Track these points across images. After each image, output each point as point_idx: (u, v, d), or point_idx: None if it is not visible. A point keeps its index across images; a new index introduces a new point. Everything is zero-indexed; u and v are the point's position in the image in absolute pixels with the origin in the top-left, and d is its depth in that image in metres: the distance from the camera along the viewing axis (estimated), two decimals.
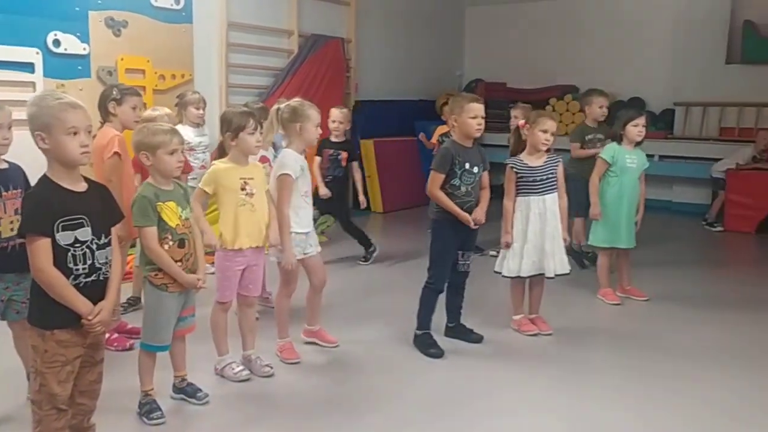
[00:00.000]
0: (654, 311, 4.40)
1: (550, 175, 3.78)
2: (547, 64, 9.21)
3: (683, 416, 2.94)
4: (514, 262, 3.78)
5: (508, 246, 3.79)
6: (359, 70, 8.03)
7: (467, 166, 3.49)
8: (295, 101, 3.44)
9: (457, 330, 3.78)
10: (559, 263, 3.78)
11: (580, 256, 5.29)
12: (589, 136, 5.26)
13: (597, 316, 4.35)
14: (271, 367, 3.28)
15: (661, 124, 8.39)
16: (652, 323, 4.18)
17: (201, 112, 4.96)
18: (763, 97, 7.72)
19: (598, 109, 5.23)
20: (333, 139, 5.37)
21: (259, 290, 3.38)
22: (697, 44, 8.10)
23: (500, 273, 3.86)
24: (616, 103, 8.43)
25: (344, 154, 5.35)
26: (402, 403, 3.04)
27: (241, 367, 3.22)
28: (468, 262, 3.68)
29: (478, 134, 3.50)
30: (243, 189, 3.09)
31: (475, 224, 3.53)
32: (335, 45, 7.50)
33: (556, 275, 3.79)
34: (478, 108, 3.48)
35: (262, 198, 3.17)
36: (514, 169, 3.79)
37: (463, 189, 3.50)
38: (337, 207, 5.39)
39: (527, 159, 3.80)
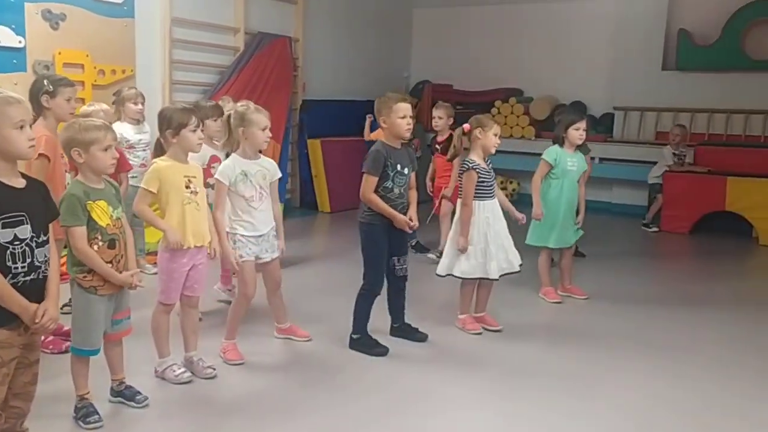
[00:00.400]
0: (593, 309, 4.53)
1: (492, 180, 3.92)
2: (493, 67, 9.37)
3: (617, 407, 3.04)
4: (476, 263, 3.82)
5: (463, 250, 3.80)
6: (307, 70, 8.00)
7: (399, 167, 3.50)
8: (242, 106, 3.44)
9: (402, 329, 3.81)
10: (513, 258, 3.93)
11: None
12: None
13: (538, 314, 4.46)
14: (214, 369, 3.24)
15: (601, 127, 8.65)
16: (590, 320, 4.30)
17: (139, 107, 4.83)
18: (697, 102, 8.04)
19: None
20: None
21: (203, 290, 3.33)
22: (635, 51, 8.38)
23: (451, 275, 3.89)
24: (559, 106, 8.66)
25: None
26: (346, 404, 3.04)
27: (182, 369, 3.17)
28: (405, 266, 3.67)
29: (407, 134, 3.53)
30: (188, 187, 3.05)
31: (410, 227, 3.56)
32: (282, 43, 7.45)
33: (501, 275, 3.88)
34: (406, 108, 3.49)
35: (203, 196, 3.14)
36: (477, 170, 3.81)
37: (396, 191, 3.51)
38: None
39: (480, 161, 3.86)
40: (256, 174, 3.37)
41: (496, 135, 3.83)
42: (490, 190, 3.88)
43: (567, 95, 8.82)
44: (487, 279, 3.88)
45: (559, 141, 4.56)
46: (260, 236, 3.40)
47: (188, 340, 3.26)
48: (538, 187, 4.52)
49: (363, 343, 3.59)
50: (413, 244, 5.89)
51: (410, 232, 3.62)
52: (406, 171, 3.54)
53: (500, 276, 3.88)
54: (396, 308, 3.79)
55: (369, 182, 3.46)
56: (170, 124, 3.03)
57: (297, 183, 8.15)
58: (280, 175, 3.52)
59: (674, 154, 7.31)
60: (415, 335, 3.80)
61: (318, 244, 6.90)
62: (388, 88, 9.20)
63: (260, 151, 3.43)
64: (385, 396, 3.13)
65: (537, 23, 9.18)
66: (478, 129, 3.84)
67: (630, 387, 3.28)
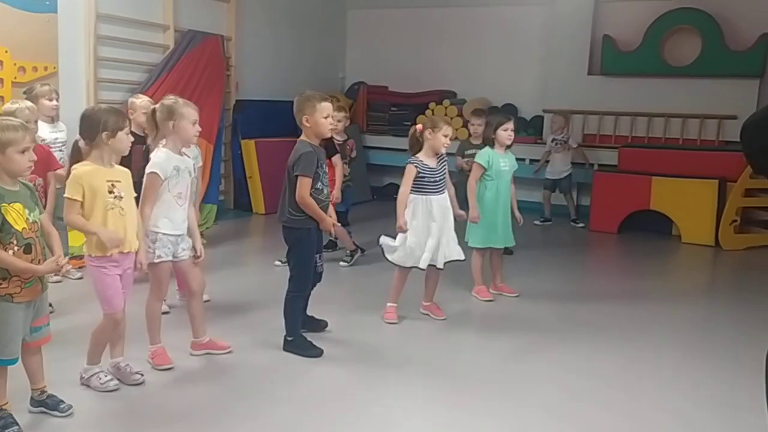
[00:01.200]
0: (523, 306, 4.64)
1: (443, 175, 4.07)
2: (428, 69, 9.47)
3: (542, 406, 3.14)
4: (415, 254, 3.97)
5: (402, 230, 3.95)
6: (240, 69, 7.87)
7: (324, 167, 3.54)
8: (169, 99, 3.34)
9: (304, 322, 3.79)
10: (452, 251, 4.08)
11: None
12: (469, 152, 5.78)
13: (471, 311, 4.54)
14: (142, 375, 3.14)
15: (532, 129, 8.87)
16: (520, 317, 4.41)
17: (54, 103, 4.62)
18: (620, 106, 8.36)
19: (474, 127, 5.94)
20: None
21: (129, 296, 3.21)
22: (563, 56, 8.65)
23: (396, 263, 4.03)
24: (491, 108, 8.81)
25: None
26: (280, 407, 3.00)
27: (108, 377, 3.06)
28: (322, 262, 3.75)
29: (329, 134, 3.61)
30: (111, 192, 2.93)
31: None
32: (214, 42, 7.30)
33: (447, 262, 4.06)
34: (329, 107, 3.52)
35: (130, 202, 3.03)
36: (417, 168, 3.97)
37: (324, 191, 3.54)
38: None
39: (426, 160, 4.01)
40: (185, 170, 3.30)
41: (446, 136, 3.98)
42: (436, 186, 4.03)
43: (499, 98, 9.00)
44: (417, 268, 4.04)
45: (490, 143, 4.67)
46: (180, 235, 3.31)
47: (115, 345, 3.15)
48: (474, 191, 4.60)
49: (297, 344, 3.57)
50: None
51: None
52: (325, 167, 3.59)
53: (430, 266, 4.03)
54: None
55: (305, 185, 3.42)
56: (106, 126, 2.90)
57: (231, 184, 8.02)
58: (201, 162, 3.45)
59: (554, 139, 7.83)
60: (318, 324, 3.87)
61: (252, 246, 6.80)
62: (324, 89, 9.16)
63: None
64: (323, 397, 3.11)
65: (470, 27, 9.34)
66: (428, 130, 3.99)
67: (553, 381, 3.39)
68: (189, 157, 3.47)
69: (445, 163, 4.10)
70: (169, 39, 6.86)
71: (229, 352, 3.54)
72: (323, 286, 3.86)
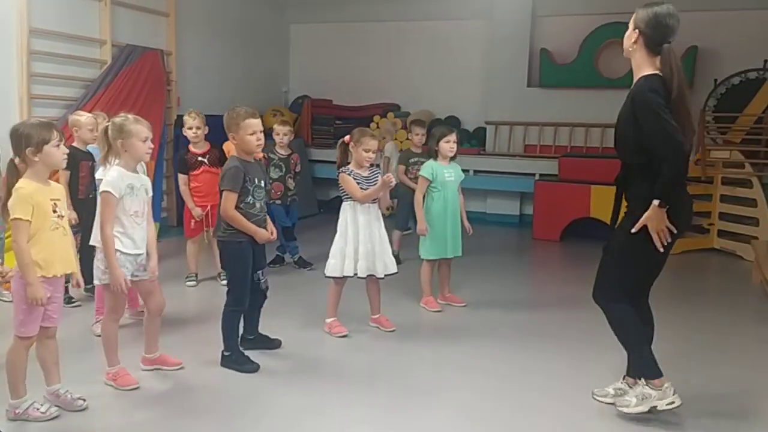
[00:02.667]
0: (471, 315, 4.70)
1: (374, 185, 4.04)
2: (371, 82, 9.56)
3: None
4: (347, 264, 3.99)
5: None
6: (181, 84, 7.75)
7: (256, 181, 3.52)
8: (120, 116, 3.29)
9: (257, 341, 3.83)
10: (389, 263, 4.10)
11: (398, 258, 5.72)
12: (413, 160, 5.89)
13: (420, 321, 4.57)
14: (84, 400, 3.04)
15: (475, 141, 9.04)
16: (469, 326, 4.46)
17: None
18: (559, 117, 8.61)
19: (416, 137, 5.99)
20: None
21: (60, 319, 3.07)
22: (503, 69, 8.86)
23: (333, 277, 4.04)
24: (434, 121, 8.95)
25: None
26: (216, 426, 2.95)
27: (47, 405, 2.94)
28: (265, 279, 3.71)
29: (258, 150, 3.59)
30: (54, 211, 2.85)
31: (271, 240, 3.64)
32: (154, 56, 7.18)
33: (386, 275, 4.09)
34: (256, 123, 3.50)
35: (67, 220, 2.96)
36: (351, 176, 3.99)
37: (257, 206, 3.53)
38: None
39: (357, 170, 4.04)
40: (140, 188, 3.26)
41: (366, 151, 3.98)
42: None
43: (442, 110, 9.15)
44: (372, 276, 4.07)
45: (433, 155, 4.74)
46: (139, 255, 3.26)
47: (51, 372, 3.02)
48: (421, 204, 4.65)
49: (234, 360, 3.54)
50: (296, 259, 5.85)
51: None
52: (262, 184, 3.57)
53: (368, 276, 4.06)
54: (253, 321, 3.82)
55: (230, 199, 3.45)
56: (29, 141, 2.79)
57: (173, 201, 7.85)
58: (151, 193, 3.39)
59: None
60: (271, 343, 3.85)
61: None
62: (267, 104, 9.18)
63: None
64: (255, 413, 3.07)
65: (413, 41, 9.48)
66: (352, 143, 4.03)
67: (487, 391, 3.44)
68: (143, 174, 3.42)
69: (379, 174, 4.09)
70: (106, 54, 6.70)
71: (181, 368, 3.50)
72: (272, 302, 3.83)
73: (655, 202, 2.79)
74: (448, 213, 4.66)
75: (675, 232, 2.84)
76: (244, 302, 3.58)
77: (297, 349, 3.90)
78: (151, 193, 3.36)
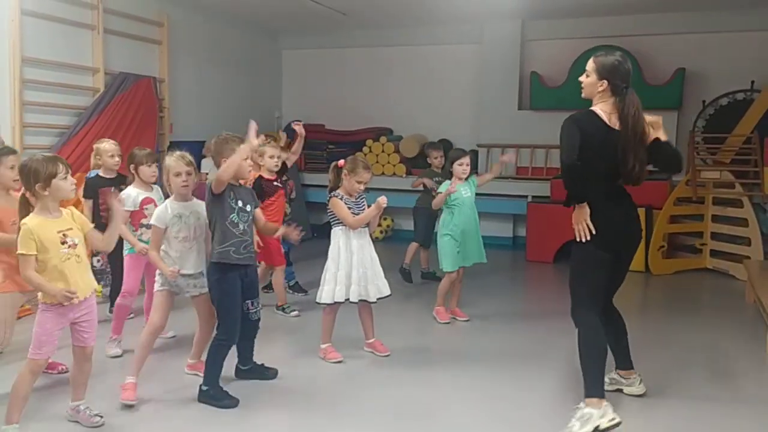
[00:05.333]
0: (468, 336, 4.74)
1: (361, 212, 4.09)
2: (364, 107, 9.61)
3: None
4: (339, 289, 3.96)
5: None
6: (174, 110, 7.78)
7: (241, 203, 3.46)
8: (169, 155, 3.54)
9: (252, 371, 3.78)
10: (382, 287, 4.12)
11: (410, 275, 6.30)
12: (436, 179, 6.24)
13: (416, 344, 4.53)
14: (102, 417, 3.14)
15: None
16: (464, 348, 4.46)
17: None
18: (550, 139, 8.63)
19: (435, 160, 6.50)
20: None
21: (94, 340, 3.13)
22: (494, 92, 8.94)
23: (326, 304, 4.01)
24: (427, 144, 8.97)
25: None
26: None
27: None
28: (258, 309, 3.65)
29: (249, 176, 3.63)
30: (64, 242, 2.89)
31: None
32: (146, 84, 7.21)
33: (378, 299, 4.09)
34: (248, 150, 3.48)
35: (82, 247, 3.00)
36: (342, 200, 4.01)
37: (241, 227, 3.44)
38: None
39: (347, 197, 4.05)
40: (189, 216, 3.45)
41: (359, 182, 4.01)
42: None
43: (434, 133, 9.19)
44: (364, 302, 4.09)
45: (448, 175, 5.11)
46: (190, 275, 3.46)
47: (77, 390, 3.16)
48: (441, 201, 4.98)
49: (212, 395, 3.43)
50: (291, 284, 5.83)
51: (254, 271, 3.64)
52: (248, 208, 3.52)
53: (360, 301, 4.06)
54: (246, 351, 3.76)
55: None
56: (38, 177, 2.85)
57: None
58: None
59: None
60: (266, 373, 3.80)
61: None
62: (260, 129, 9.16)
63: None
64: None
65: (405, 65, 9.56)
66: (345, 171, 4.03)
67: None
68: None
69: (364, 199, 4.14)
70: (99, 82, 6.72)
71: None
72: (267, 326, 3.81)
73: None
74: (467, 226, 4.95)
75: (593, 233, 3.28)
76: (233, 335, 3.48)
77: (291, 376, 3.86)
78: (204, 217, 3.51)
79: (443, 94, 9.36)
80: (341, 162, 4.08)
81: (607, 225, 3.27)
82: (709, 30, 8.10)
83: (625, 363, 3.58)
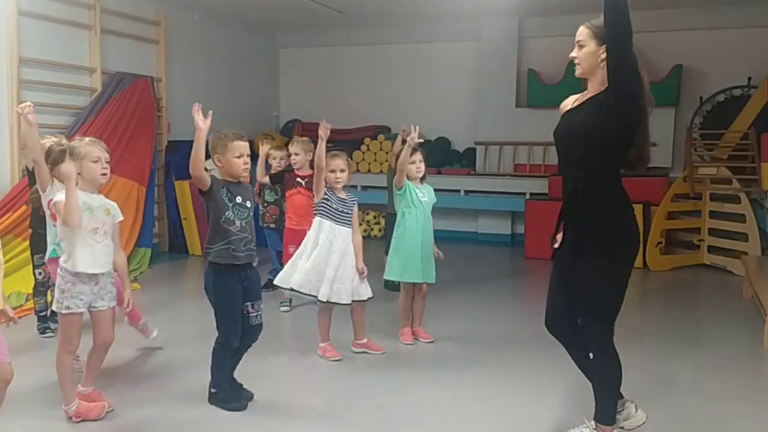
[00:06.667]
0: (464, 337, 4.63)
1: (348, 211, 4.05)
2: (361, 105, 9.62)
3: None
4: (309, 279, 3.91)
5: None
6: (172, 110, 7.78)
7: (239, 199, 3.26)
8: (78, 140, 3.22)
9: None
10: (363, 289, 4.08)
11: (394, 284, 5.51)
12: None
13: (410, 348, 4.46)
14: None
15: (465, 161, 9.08)
16: (460, 350, 4.38)
17: None
18: (548, 137, 8.62)
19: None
20: None
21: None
22: (492, 90, 8.95)
23: (319, 300, 3.95)
24: (425, 142, 8.97)
25: None
26: None
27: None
28: (260, 313, 3.38)
29: (245, 174, 3.31)
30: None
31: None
32: (144, 84, 7.21)
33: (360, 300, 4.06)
34: (243, 146, 3.28)
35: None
36: (325, 192, 4.01)
37: (237, 224, 3.25)
38: None
39: (334, 188, 4.05)
40: (97, 210, 3.14)
41: (332, 172, 3.96)
42: (341, 217, 4.01)
43: (432, 131, 9.20)
44: (358, 302, 4.05)
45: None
46: (96, 275, 3.10)
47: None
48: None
49: (220, 398, 3.34)
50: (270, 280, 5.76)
51: (256, 273, 3.45)
52: (248, 204, 3.32)
53: (328, 302, 3.94)
54: (231, 362, 3.42)
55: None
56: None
57: (165, 226, 7.84)
58: (122, 217, 3.28)
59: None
60: (242, 394, 3.42)
61: (187, 288, 6.63)
62: (258, 127, 9.22)
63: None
64: None
65: (402, 63, 9.57)
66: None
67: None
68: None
69: (355, 202, 4.09)
70: (96, 82, 6.73)
71: (110, 410, 3.24)
72: (265, 326, 3.74)
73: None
74: (421, 234, 4.34)
75: (625, 242, 2.78)
76: (231, 339, 3.27)
77: (289, 374, 3.86)
78: (120, 217, 3.28)
79: (441, 92, 9.37)
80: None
81: (634, 229, 2.83)
82: (705, 26, 8.12)
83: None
